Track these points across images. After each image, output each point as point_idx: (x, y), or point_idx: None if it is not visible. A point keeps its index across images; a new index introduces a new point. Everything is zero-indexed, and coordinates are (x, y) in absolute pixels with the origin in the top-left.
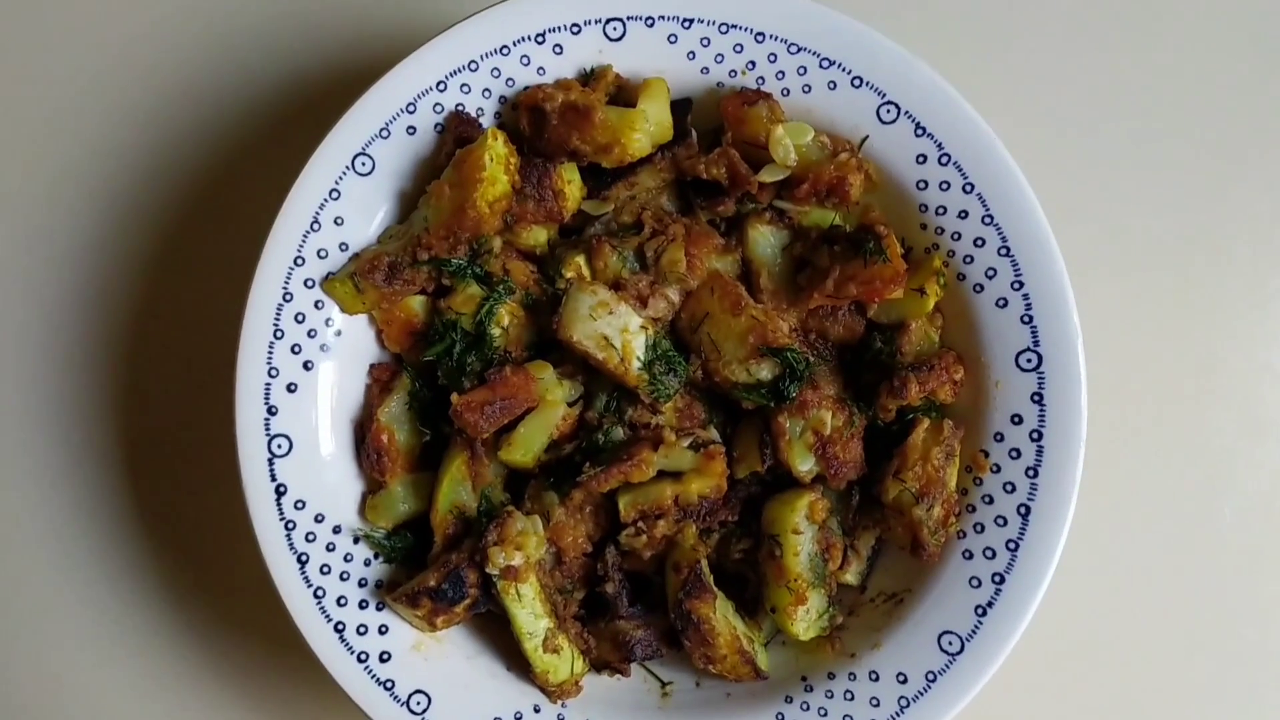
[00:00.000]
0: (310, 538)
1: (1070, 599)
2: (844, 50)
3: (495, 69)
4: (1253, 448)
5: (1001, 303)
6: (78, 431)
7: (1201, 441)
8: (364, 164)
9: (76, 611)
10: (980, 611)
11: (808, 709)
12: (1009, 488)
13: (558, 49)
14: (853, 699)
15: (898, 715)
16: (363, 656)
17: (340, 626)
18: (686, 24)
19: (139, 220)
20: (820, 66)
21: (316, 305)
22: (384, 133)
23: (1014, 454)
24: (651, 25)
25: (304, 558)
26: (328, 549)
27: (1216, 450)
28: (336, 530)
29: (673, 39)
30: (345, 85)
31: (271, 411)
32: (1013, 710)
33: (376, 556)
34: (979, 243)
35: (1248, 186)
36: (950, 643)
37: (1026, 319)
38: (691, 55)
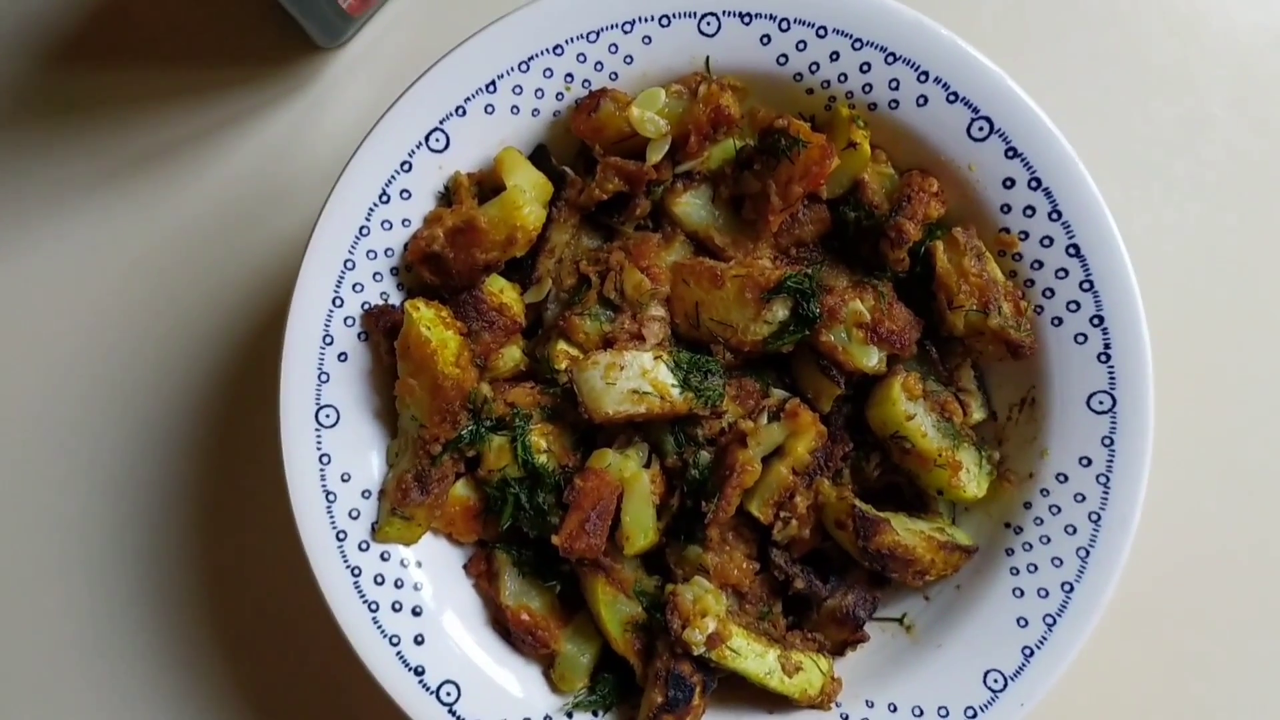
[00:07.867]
0: None
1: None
2: (634, 8)
3: (369, 251)
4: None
5: (921, 100)
6: None
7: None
8: (328, 415)
9: None
10: (1104, 358)
11: (1030, 548)
12: (1046, 241)
13: (405, 194)
14: (1059, 511)
15: (1105, 495)
16: None
17: None
18: (491, 88)
19: (164, 535)
20: (624, 33)
21: (383, 558)
22: (322, 377)
23: (1028, 211)
24: (464, 114)
25: None
26: None
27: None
28: None
29: (490, 109)
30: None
31: (419, 672)
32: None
33: (597, 714)
34: (866, 68)
35: None
36: (1100, 402)
37: (952, 98)
38: (515, 110)
